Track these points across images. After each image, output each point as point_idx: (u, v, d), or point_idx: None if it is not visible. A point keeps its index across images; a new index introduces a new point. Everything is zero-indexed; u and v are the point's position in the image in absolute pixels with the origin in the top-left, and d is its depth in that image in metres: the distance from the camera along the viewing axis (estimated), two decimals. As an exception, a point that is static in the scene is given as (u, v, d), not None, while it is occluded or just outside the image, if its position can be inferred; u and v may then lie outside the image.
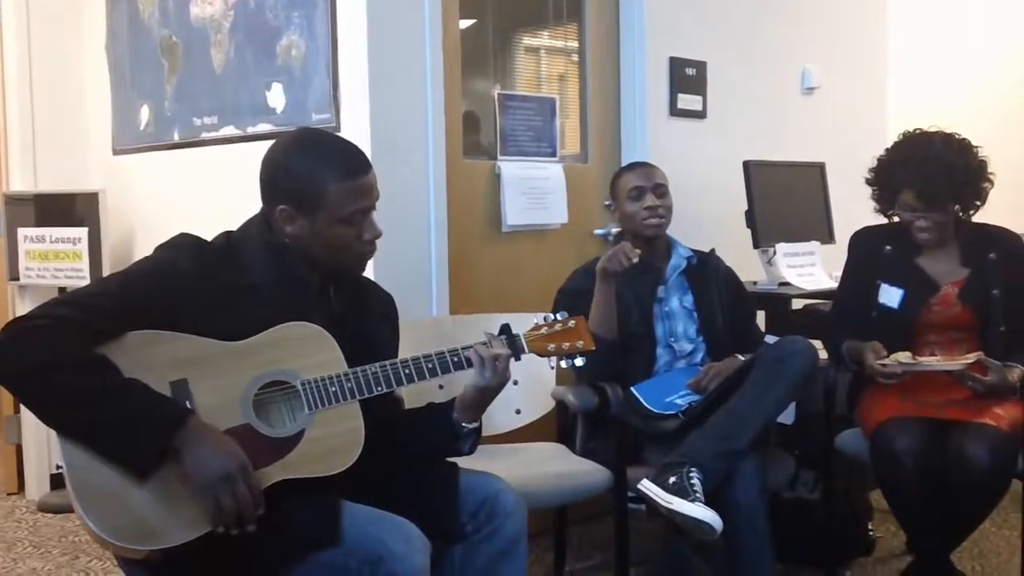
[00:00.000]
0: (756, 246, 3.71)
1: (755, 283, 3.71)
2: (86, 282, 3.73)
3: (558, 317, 2.13)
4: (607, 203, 3.18)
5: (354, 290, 2.15)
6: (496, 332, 2.10)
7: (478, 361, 2.04)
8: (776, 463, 2.90)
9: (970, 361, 2.71)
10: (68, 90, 4.18)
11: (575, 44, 3.90)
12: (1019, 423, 2.68)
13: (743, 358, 2.87)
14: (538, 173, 3.58)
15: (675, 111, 3.98)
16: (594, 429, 2.91)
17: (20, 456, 4.26)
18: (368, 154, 2.08)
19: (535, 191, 3.57)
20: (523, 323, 2.14)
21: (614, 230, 3.41)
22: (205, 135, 3.64)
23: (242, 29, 3.44)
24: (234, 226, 2.08)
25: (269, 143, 2.08)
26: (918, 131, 2.93)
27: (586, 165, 3.84)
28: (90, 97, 4.18)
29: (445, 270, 3.26)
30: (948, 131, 2.89)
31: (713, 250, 3.18)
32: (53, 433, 1.82)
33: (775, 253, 3.70)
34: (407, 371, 2.00)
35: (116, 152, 4.07)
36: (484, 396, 2.10)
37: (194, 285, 1.91)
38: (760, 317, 3.46)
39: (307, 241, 2.00)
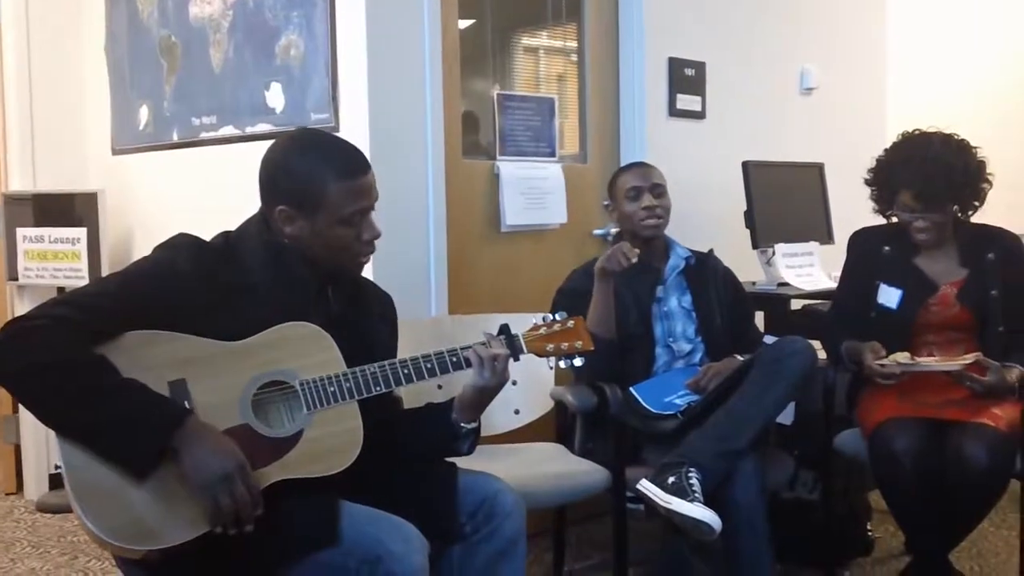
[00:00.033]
0: (755, 246, 3.71)
1: (754, 283, 3.71)
2: (85, 282, 3.72)
3: (557, 317, 2.14)
4: (605, 203, 3.18)
5: (353, 290, 2.15)
6: (495, 332, 2.10)
7: (477, 361, 2.04)
8: (775, 463, 2.90)
9: (968, 362, 2.71)
10: (67, 90, 4.19)
11: (574, 44, 3.90)
12: (1017, 423, 2.68)
13: (742, 358, 2.87)
14: (537, 173, 3.58)
15: (674, 111, 3.98)
16: (593, 429, 2.91)
17: (19, 456, 4.26)
18: (367, 154, 2.08)
19: (534, 191, 3.57)
20: (522, 323, 2.14)
21: (613, 230, 3.41)
22: (204, 135, 3.64)
23: (241, 29, 3.44)
24: (233, 226, 2.08)
25: (268, 143, 2.08)
26: (917, 131, 2.93)
27: (585, 165, 3.84)
28: (89, 97, 4.18)
29: (444, 270, 3.26)
30: (947, 132, 2.89)
31: (711, 250, 3.18)
32: (52, 433, 1.82)
33: (774, 253, 3.70)
34: (406, 371, 2.00)
35: (115, 152, 4.07)
36: (483, 396, 2.10)
37: (193, 285, 1.91)
38: (759, 317, 3.46)
39: (306, 241, 2.00)
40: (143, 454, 1.77)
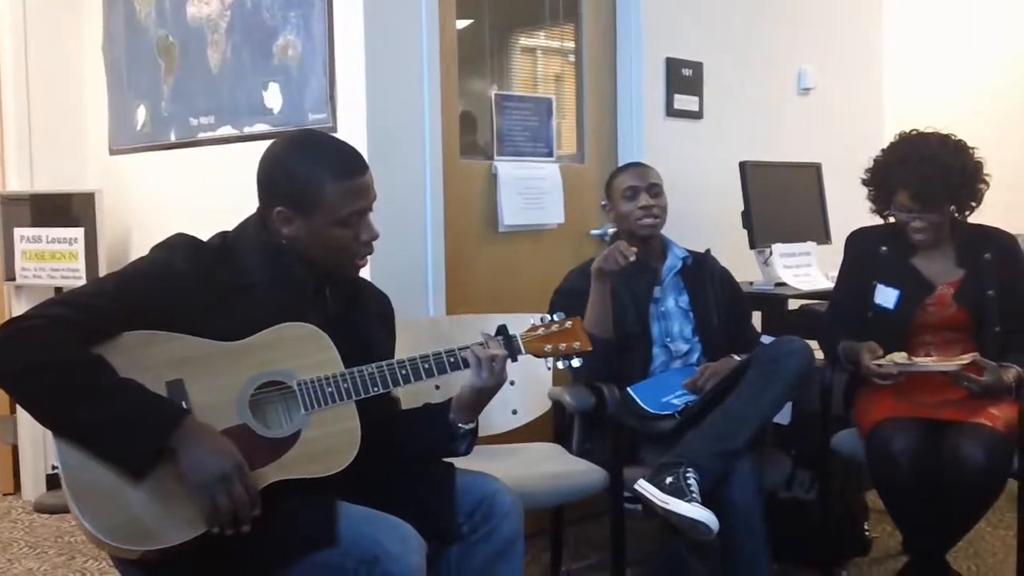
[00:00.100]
0: (752, 246, 3.71)
1: (751, 283, 3.71)
2: (82, 282, 3.72)
3: (555, 318, 2.14)
4: (603, 203, 3.18)
5: (350, 290, 2.15)
6: (493, 333, 2.10)
7: (475, 362, 2.04)
8: (772, 463, 2.91)
9: (965, 362, 2.71)
10: (65, 90, 4.18)
11: (571, 44, 3.90)
12: (1014, 423, 2.69)
13: (739, 358, 2.87)
14: (535, 173, 3.59)
15: (671, 112, 3.99)
16: (590, 429, 2.91)
17: (16, 456, 4.25)
18: (364, 154, 2.08)
19: (532, 191, 3.57)
20: (520, 324, 2.14)
21: (610, 230, 3.42)
22: (202, 135, 3.64)
23: (239, 29, 3.44)
24: (230, 226, 2.08)
25: (266, 143, 2.08)
26: (914, 132, 2.93)
27: (583, 165, 3.84)
28: (87, 97, 4.18)
29: (442, 270, 3.26)
30: (944, 132, 2.89)
31: (708, 250, 3.18)
32: (49, 433, 1.82)
33: (771, 253, 3.70)
34: (404, 372, 2.00)
35: (113, 152, 4.07)
36: (481, 397, 2.10)
37: (190, 285, 1.91)
38: (756, 317, 3.47)
39: (304, 242, 2.00)
40: (141, 454, 1.77)
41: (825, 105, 4.62)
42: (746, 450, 2.61)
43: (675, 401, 2.84)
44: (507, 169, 3.51)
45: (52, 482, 4.11)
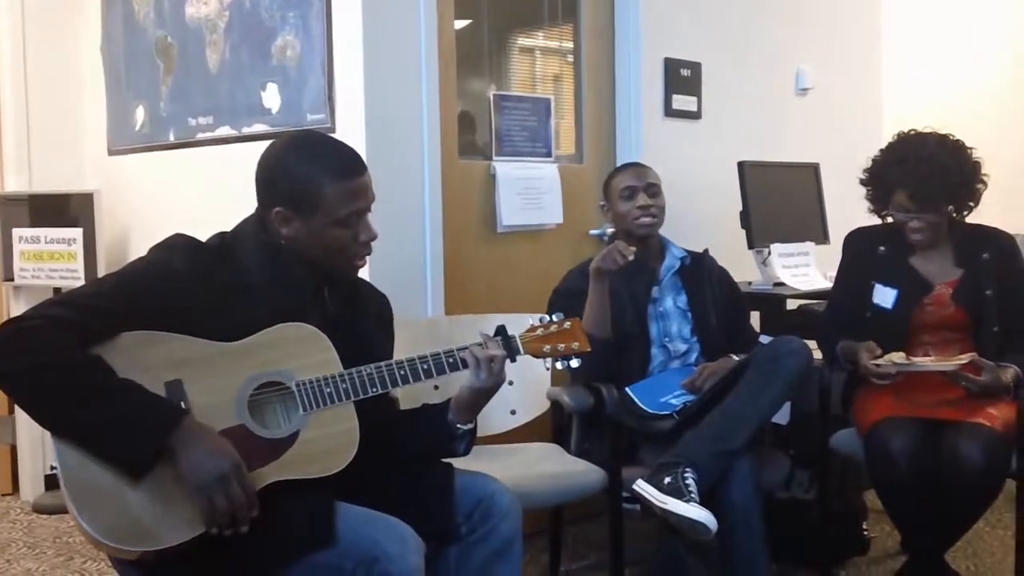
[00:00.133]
0: (751, 246, 3.72)
1: (750, 283, 3.72)
2: (81, 283, 3.72)
3: (554, 319, 2.14)
4: (601, 203, 3.18)
5: (349, 291, 2.15)
6: (491, 333, 2.10)
7: (473, 362, 2.05)
8: (771, 463, 2.91)
9: (964, 362, 2.72)
10: (63, 90, 4.18)
11: (570, 45, 3.90)
12: (1013, 423, 2.69)
13: (737, 358, 2.87)
14: (533, 173, 3.59)
15: (670, 112, 3.99)
16: (589, 429, 2.92)
17: (14, 457, 4.25)
18: (363, 154, 2.08)
19: (530, 191, 3.57)
20: (519, 324, 2.14)
21: (609, 230, 3.42)
22: (200, 135, 3.64)
23: (237, 29, 3.44)
24: (229, 227, 2.08)
25: (265, 143, 2.08)
26: (912, 132, 2.93)
27: (581, 165, 3.84)
28: (85, 97, 4.18)
29: (440, 270, 3.26)
30: (942, 132, 2.89)
31: (707, 250, 3.18)
32: (48, 434, 1.82)
33: (770, 253, 3.71)
34: (402, 372, 2.00)
35: (111, 152, 4.07)
36: (479, 397, 2.10)
37: (189, 286, 1.91)
38: (755, 317, 3.47)
39: (303, 242, 2.00)
40: (139, 454, 1.77)
41: (823, 105, 4.62)
42: (744, 450, 2.62)
43: (673, 401, 2.84)
44: (506, 169, 3.51)
45: (51, 482, 4.10)
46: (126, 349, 1.83)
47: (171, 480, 1.78)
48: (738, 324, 3.13)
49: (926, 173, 2.80)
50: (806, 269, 3.74)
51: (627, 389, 2.87)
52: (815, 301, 3.59)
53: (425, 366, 2.02)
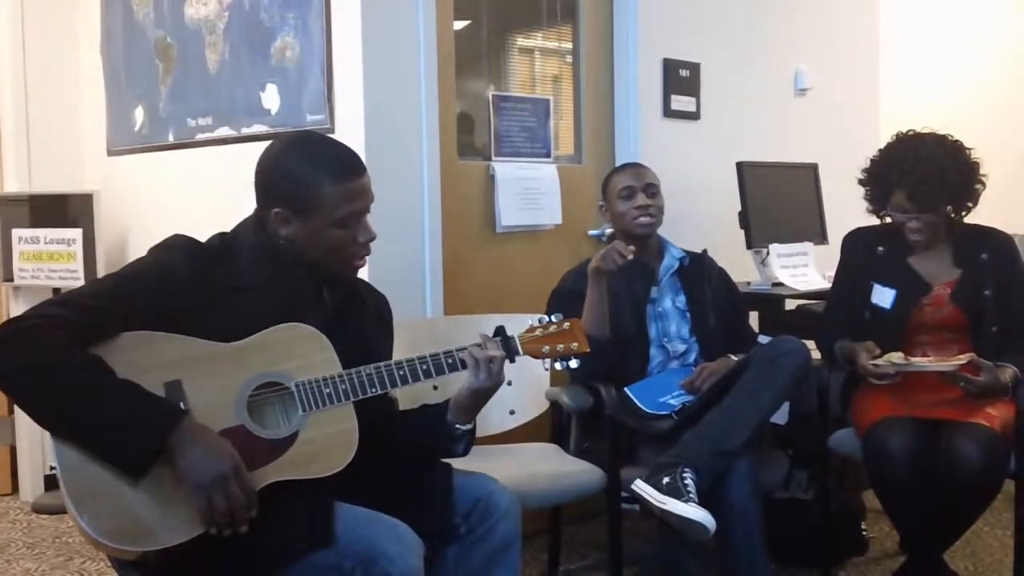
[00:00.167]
0: (749, 247, 3.72)
1: (748, 284, 3.72)
2: (80, 283, 3.73)
3: (553, 319, 2.14)
4: (600, 204, 3.19)
5: (348, 291, 2.15)
6: (491, 333, 2.11)
7: (472, 363, 2.05)
8: (770, 463, 2.91)
9: (962, 362, 2.72)
10: (63, 91, 4.18)
11: (569, 45, 3.90)
12: (1011, 423, 2.69)
13: (736, 358, 2.87)
14: (532, 174, 3.59)
15: (669, 112, 3.99)
16: (588, 429, 2.92)
17: (14, 457, 4.25)
18: (362, 155, 2.09)
19: (529, 192, 3.57)
20: (518, 324, 2.14)
21: (608, 231, 3.42)
22: (200, 136, 3.64)
23: (236, 30, 3.45)
24: (228, 227, 2.08)
25: (264, 144, 2.08)
26: (911, 132, 2.94)
27: (580, 166, 3.84)
28: (85, 98, 4.18)
29: (439, 271, 3.27)
30: (941, 132, 2.90)
31: (705, 251, 3.19)
32: (47, 434, 1.82)
33: (768, 254, 3.71)
34: (401, 373, 2.01)
35: (110, 153, 4.07)
36: (478, 398, 2.10)
37: (188, 286, 1.91)
38: (753, 318, 3.47)
39: (302, 243, 2.00)
40: (138, 455, 1.77)
41: (822, 106, 4.62)
42: (743, 450, 2.62)
43: (672, 401, 2.85)
44: (505, 170, 3.51)
45: (50, 483, 4.10)
46: (126, 349, 1.83)
47: (170, 480, 1.78)
48: (737, 324, 3.13)
49: (924, 173, 2.80)
50: (805, 269, 3.74)
51: (626, 389, 2.87)
52: (814, 301, 3.60)
53: (424, 367, 2.02)
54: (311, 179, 1.97)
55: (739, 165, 3.73)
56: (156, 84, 3.78)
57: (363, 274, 2.20)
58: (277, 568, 1.85)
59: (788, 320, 3.57)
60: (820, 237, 3.97)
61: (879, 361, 2.76)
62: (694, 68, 4.08)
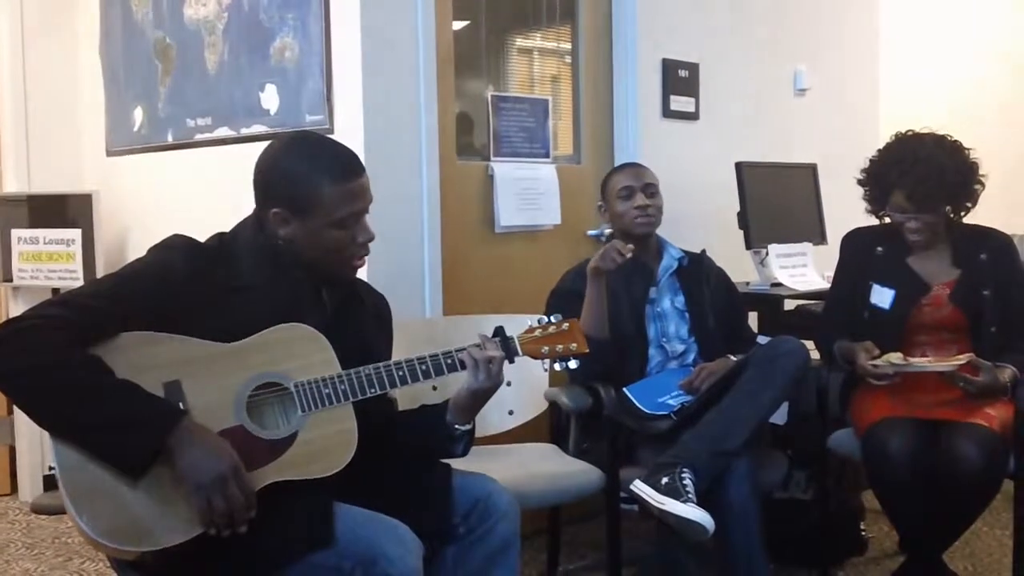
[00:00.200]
0: (748, 247, 3.72)
1: (748, 284, 3.72)
2: (79, 283, 3.73)
3: (552, 319, 2.14)
4: (599, 204, 3.19)
5: (347, 291, 2.15)
6: (490, 334, 2.11)
7: (471, 363, 2.05)
8: (769, 463, 2.91)
9: (961, 362, 2.72)
10: (62, 91, 4.19)
11: (568, 45, 3.90)
12: (1010, 423, 2.69)
13: (735, 358, 2.87)
14: (531, 174, 3.59)
15: (668, 112, 3.99)
16: (587, 430, 2.92)
17: (13, 457, 4.25)
18: (361, 155, 2.09)
19: (528, 192, 3.57)
20: (517, 325, 2.14)
21: (607, 231, 3.42)
22: (199, 136, 3.64)
23: (236, 30, 3.45)
24: (228, 228, 2.08)
25: (263, 144, 2.08)
26: (910, 132, 2.94)
27: (579, 166, 3.85)
28: (84, 98, 4.18)
29: (439, 271, 3.27)
30: (940, 133, 2.90)
31: (704, 251, 3.19)
32: (46, 434, 1.82)
33: (767, 254, 3.71)
34: (400, 373, 2.01)
35: (110, 153, 4.07)
36: (477, 398, 2.10)
37: (188, 286, 1.92)
38: (752, 318, 3.47)
39: (301, 243, 2.00)
40: (138, 455, 1.76)
41: (821, 106, 4.62)
42: (742, 450, 2.62)
43: (671, 401, 2.84)
44: (504, 170, 3.51)
45: (49, 483, 4.10)
46: (125, 349, 1.83)
47: (169, 481, 1.78)
48: (736, 324, 3.13)
49: (923, 174, 2.81)
50: (804, 269, 3.74)
51: (625, 389, 2.87)
52: (813, 301, 3.60)
53: (423, 367, 2.02)
54: (310, 179, 1.97)
55: (738, 165, 3.73)
56: (155, 84, 3.78)
57: (362, 274, 2.21)
58: (276, 568, 1.85)
59: (787, 320, 3.58)
60: (819, 237, 3.97)
61: (878, 361, 2.76)
62: (693, 68, 4.08)
